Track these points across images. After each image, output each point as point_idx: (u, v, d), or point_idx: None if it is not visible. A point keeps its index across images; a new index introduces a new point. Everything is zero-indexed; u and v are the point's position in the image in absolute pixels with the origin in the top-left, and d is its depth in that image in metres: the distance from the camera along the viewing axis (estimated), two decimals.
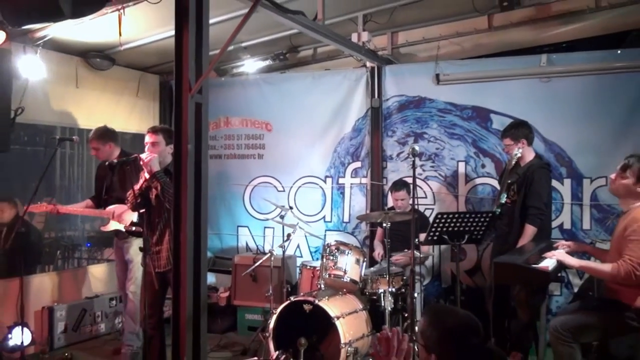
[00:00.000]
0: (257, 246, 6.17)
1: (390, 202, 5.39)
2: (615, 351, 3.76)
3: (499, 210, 4.20)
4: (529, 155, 4.38)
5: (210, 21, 3.16)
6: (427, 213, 5.37)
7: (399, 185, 5.12)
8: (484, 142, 5.29)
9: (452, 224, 4.06)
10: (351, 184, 5.86)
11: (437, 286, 5.49)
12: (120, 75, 5.98)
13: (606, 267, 3.34)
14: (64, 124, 5.43)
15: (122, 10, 4.23)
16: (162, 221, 4.03)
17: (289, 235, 4.88)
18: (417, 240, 4.22)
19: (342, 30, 5.08)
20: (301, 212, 5.87)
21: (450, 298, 5.25)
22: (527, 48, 5.31)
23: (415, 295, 4.43)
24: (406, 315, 4.54)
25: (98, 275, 5.74)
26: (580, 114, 4.93)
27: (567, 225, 4.99)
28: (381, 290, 4.47)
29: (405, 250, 4.84)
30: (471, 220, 4.09)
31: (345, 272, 4.46)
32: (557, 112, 5.00)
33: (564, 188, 5.01)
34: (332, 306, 4.08)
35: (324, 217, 5.95)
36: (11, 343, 4.65)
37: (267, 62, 6.09)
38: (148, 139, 4.07)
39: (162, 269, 4.01)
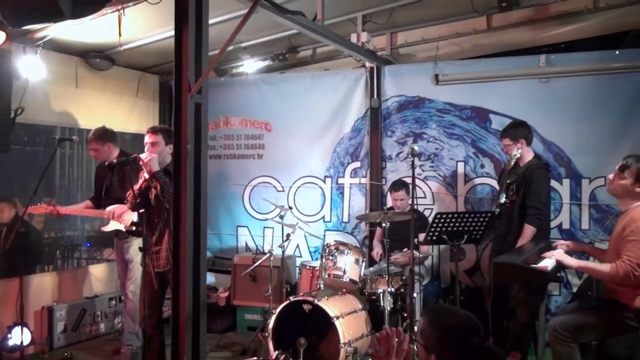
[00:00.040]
0: (256, 246, 6.17)
1: (389, 202, 5.39)
2: (614, 351, 3.78)
3: (498, 210, 4.21)
4: (528, 156, 4.39)
5: (210, 21, 3.17)
6: (427, 213, 5.38)
7: (398, 185, 5.13)
8: (483, 142, 5.30)
9: (451, 224, 4.07)
10: (350, 184, 5.87)
11: (436, 286, 5.50)
12: (120, 76, 5.98)
13: (605, 267, 3.34)
14: (64, 124, 5.43)
15: (121, 11, 4.23)
16: (162, 221, 4.03)
17: (288, 235, 4.89)
18: (416, 240, 4.23)
19: (342, 31, 5.09)
20: (300, 212, 5.87)
21: (450, 298, 5.26)
22: (526, 48, 5.32)
23: (415, 295, 4.44)
24: (405, 315, 4.55)
25: (98, 275, 5.75)
26: (579, 114, 4.94)
27: (566, 225, 5.00)
28: (380, 290, 4.47)
29: (405, 249, 4.85)
30: (470, 220, 4.10)
31: (344, 272, 4.47)
32: (556, 113, 5.01)
33: (563, 188, 5.02)
34: (331, 306, 4.08)
35: (323, 217, 5.96)
36: (11, 343, 4.66)
37: (267, 63, 6.10)
38: (147, 139, 4.07)
39: (162, 268, 4.02)
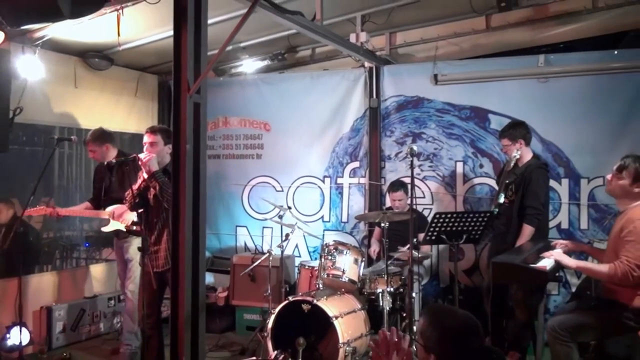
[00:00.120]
0: (255, 246, 6.17)
1: (388, 202, 5.40)
2: (612, 351, 3.78)
3: (497, 210, 4.21)
4: (527, 156, 4.39)
5: (209, 21, 3.17)
6: (426, 213, 5.38)
7: (397, 185, 5.13)
8: (482, 142, 5.31)
9: (451, 224, 4.07)
10: (349, 183, 5.87)
11: (435, 286, 5.50)
12: (118, 76, 5.98)
13: (603, 267, 3.34)
14: (63, 124, 5.43)
15: (120, 11, 4.23)
16: (161, 221, 4.03)
17: (287, 235, 4.89)
18: (415, 240, 4.23)
19: (341, 31, 5.09)
20: (299, 212, 5.87)
21: (449, 298, 5.27)
22: (525, 48, 5.33)
23: (414, 295, 4.45)
24: (404, 315, 4.55)
25: (97, 275, 5.74)
26: (578, 114, 4.94)
27: (565, 225, 5.01)
28: (379, 290, 4.47)
29: (408, 246, 4.83)
30: (469, 220, 4.10)
31: (343, 272, 4.47)
32: (555, 113, 5.01)
33: (562, 188, 5.02)
34: (330, 306, 4.08)
35: (322, 217, 5.96)
36: (9, 343, 4.66)
37: (266, 62, 6.10)
38: (146, 139, 4.07)
39: (161, 268, 4.01)
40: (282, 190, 6.08)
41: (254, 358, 4.45)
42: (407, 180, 4.71)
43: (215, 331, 5.42)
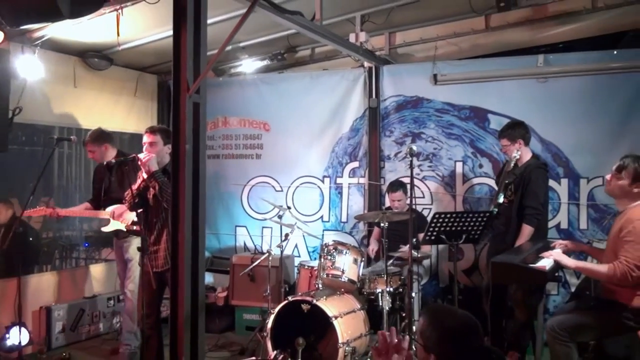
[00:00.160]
0: (255, 246, 6.17)
1: (387, 202, 5.40)
2: (611, 351, 3.78)
3: (496, 210, 4.21)
4: (526, 156, 4.40)
5: (208, 21, 3.17)
6: (425, 213, 5.38)
7: (396, 186, 5.13)
8: (482, 142, 5.31)
9: (450, 224, 4.07)
10: (349, 183, 5.87)
11: (434, 286, 5.50)
12: (118, 75, 5.98)
13: (602, 268, 3.35)
14: (62, 124, 5.42)
15: (120, 11, 4.23)
16: (160, 221, 4.03)
17: (286, 235, 4.89)
18: (414, 240, 4.22)
19: (340, 31, 5.09)
20: (299, 212, 5.87)
21: (448, 297, 5.27)
22: (524, 48, 5.33)
23: (413, 294, 4.44)
24: (404, 314, 4.55)
25: (96, 275, 5.74)
26: (577, 114, 4.94)
27: (564, 225, 5.01)
28: (379, 290, 4.47)
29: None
30: (469, 220, 4.10)
31: (343, 272, 4.47)
32: (554, 112, 5.01)
33: (561, 188, 5.03)
34: (330, 306, 4.08)
35: (321, 216, 5.96)
36: (9, 343, 4.65)
37: (265, 62, 6.10)
38: (146, 139, 4.07)
39: (160, 268, 4.01)
40: (282, 190, 6.08)
41: (254, 358, 4.45)
42: (407, 180, 4.71)
43: (215, 331, 5.43)
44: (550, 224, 4.81)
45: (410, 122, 5.59)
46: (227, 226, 6.33)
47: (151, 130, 4.10)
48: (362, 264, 4.66)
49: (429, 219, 4.67)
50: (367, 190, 5.76)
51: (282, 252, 4.87)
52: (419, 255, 4.74)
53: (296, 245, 6.02)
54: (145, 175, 3.93)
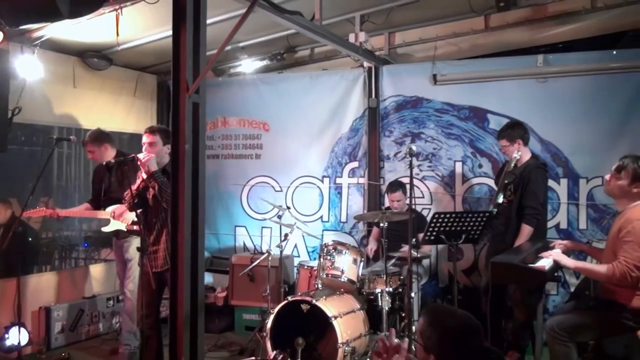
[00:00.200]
0: (254, 246, 6.17)
1: (387, 202, 5.39)
2: (611, 351, 3.78)
3: (496, 210, 4.22)
4: (525, 156, 4.40)
5: (208, 21, 3.17)
6: (425, 213, 5.38)
7: (395, 186, 5.13)
8: (481, 142, 5.31)
9: (450, 224, 4.07)
10: (348, 183, 5.87)
11: (434, 286, 5.50)
12: (117, 75, 5.97)
13: (601, 268, 3.35)
14: (62, 124, 5.42)
15: (119, 10, 4.22)
16: (160, 221, 4.02)
17: (286, 235, 4.89)
18: (414, 240, 4.22)
19: (340, 31, 5.09)
20: (298, 212, 5.87)
21: (448, 297, 5.27)
22: (524, 48, 5.33)
23: (413, 294, 4.44)
24: (403, 314, 4.55)
25: (95, 275, 5.74)
26: (577, 114, 4.94)
27: (564, 225, 5.01)
28: (378, 290, 4.47)
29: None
30: (468, 220, 4.10)
31: (342, 272, 4.47)
32: (554, 112, 5.01)
33: (561, 188, 5.03)
34: (329, 306, 4.08)
35: (321, 217, 5.96)
36: (8, 343, 4.65)
37: (265, 62, 6.10)
38: (145, 139, 4.07)
39: (159, 268, 4.01)
40: (281, 190, 6.08)
41: (253, 358, 4.46)
42: (406, 180, 4.71)
43: (214, 331, 5.42)
44: (550, 224, 4.81)
45: (409, 122, 5.59)
46: (226, 226, 6.33)
47: (150, 131, 4.10)
48: (362, 264, 4.65)
49: (428, 219, 4.66)
50: (366, 190, 5.76)
51: (281, 252, 4.87)
52: (418, 255, 4.74)
53: (296, 245, 6.02)
54: (144, 176, 3.92)
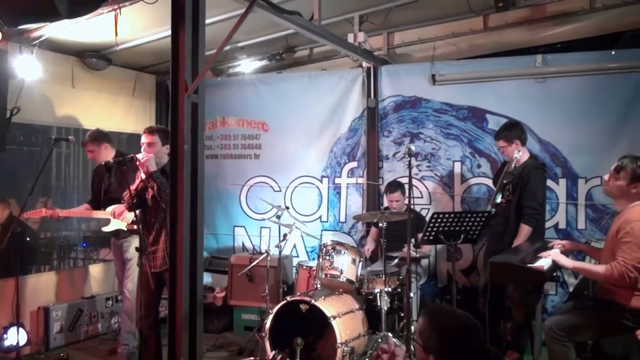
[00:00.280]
0: (253, 246, 6.17)
1: (386, 202, 5.40)
2: (609, 351, 3.79)
3: (494, 210, 4.22)
4: (524, 156, 4.40)
5: (207, 21, 3.16)
6: (423, 213, 5.39)
7: (394, 186, 5.13)
8: (480, 142, 5.31)
9: (448, 224, 4.07)
10: (347, 184, 5.87)
11: (433, 286, 5.51)
12: (116, 75, 5.97)
13: (600, 268, 3.35)
14: (60, 124, 5.42)
15: (118, 10, 4.21)
16: (158, 221, 4.02)
17: (285, 235, 4.89)
18: (413, 240, 4.23)
19: (338, 31, 5.09)
20: (297, 212, 5.87)
21: (447, 297, 5.27)
22: (523, 49, 5.34)
23: (412, 294, 4.43)
24: (402, 314, 4.55)
25: (94, 275, 5.73)
26: (576, 114, 4.95)
27: (562, 225, 5.02)
28: (377, 290, 4.47)
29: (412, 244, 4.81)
30: (467, 220, 4.10)
31: (341, 272, 4.47)
32: (553, 113, 5.02)
33: (559, 188, 5.03)
34: (328, 306, 4.08)
35: (320, 217, 5.96)
36: (7, 343, 4.65)
37: (264, 62, 6.10)
38: (144, 139, 4.06)
39: (158, 269, 4.01)
40: (280, 191, 6.08)
41: (252, 358, 4.46)
42: (405, 180, 4.71)
43: (213, 331, 5.42)
44: (549, 224, 4.82)
45: (408, 122, 5.59)
46: (225, 226, 6.33)
47: (149, 131, 4.09)
48: (361, 264, 4.65)
49: (427, 219, 4.66)
50: (365, 191, 5.76)
51: (280, 252, 4.88)
52: (417, 255, 4.74)
53: (294, 246, 6.02)
54: (143, 176, 3.92)
